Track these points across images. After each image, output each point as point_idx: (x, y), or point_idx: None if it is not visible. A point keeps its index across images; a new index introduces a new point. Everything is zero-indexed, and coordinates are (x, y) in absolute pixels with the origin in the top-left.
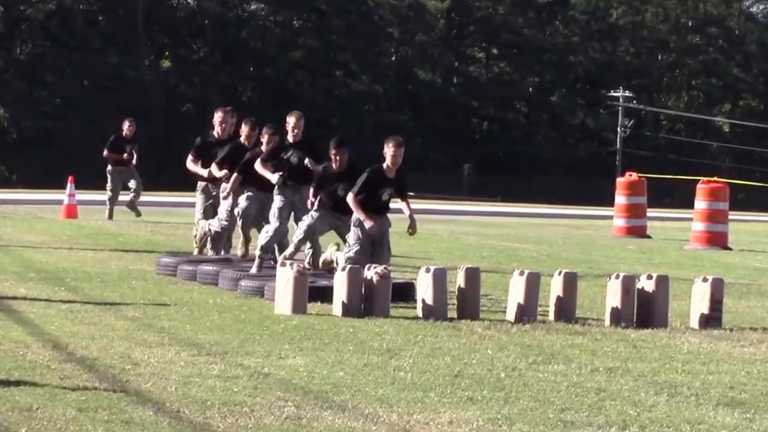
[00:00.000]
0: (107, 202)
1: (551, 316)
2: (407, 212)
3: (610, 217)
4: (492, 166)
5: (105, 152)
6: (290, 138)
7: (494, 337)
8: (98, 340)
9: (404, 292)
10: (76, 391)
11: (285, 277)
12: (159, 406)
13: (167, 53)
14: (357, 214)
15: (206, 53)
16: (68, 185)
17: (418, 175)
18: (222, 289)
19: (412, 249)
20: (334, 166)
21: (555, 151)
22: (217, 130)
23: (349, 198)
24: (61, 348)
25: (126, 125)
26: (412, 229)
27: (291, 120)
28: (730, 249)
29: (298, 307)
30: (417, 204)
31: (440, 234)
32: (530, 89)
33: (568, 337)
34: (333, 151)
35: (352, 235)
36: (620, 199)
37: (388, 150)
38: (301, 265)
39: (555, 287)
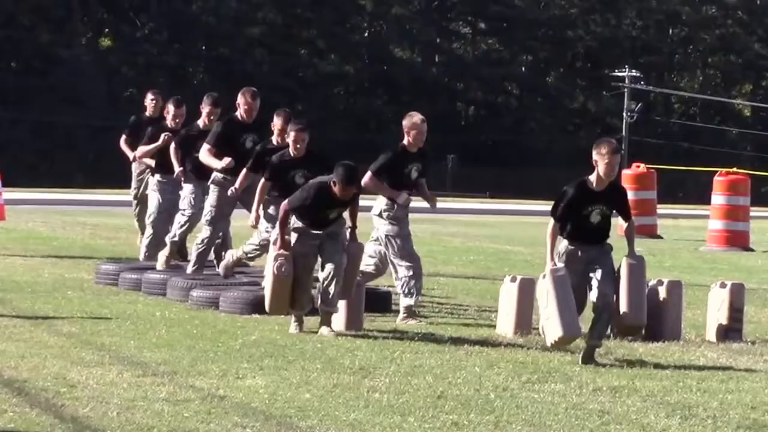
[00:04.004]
0: (135, 213)
1: None
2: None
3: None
4: (480, 157)
5: (123, 139)
6: None
7: (482, 353)
8: (29, 359)
9: (380, 302)
10: (3, 417)
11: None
12: None
13: (107, 30)
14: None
15: (151, 30)
16: None
17: None
18: (170, 300)
19: None
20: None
21: (551, 139)
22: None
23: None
24: None
25: (149, 99)
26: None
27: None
28: (751, 250)
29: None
30: None
31: (421, 235)
32: (523, 69)
33: (567, 353)
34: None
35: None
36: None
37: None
38: None
39: None
